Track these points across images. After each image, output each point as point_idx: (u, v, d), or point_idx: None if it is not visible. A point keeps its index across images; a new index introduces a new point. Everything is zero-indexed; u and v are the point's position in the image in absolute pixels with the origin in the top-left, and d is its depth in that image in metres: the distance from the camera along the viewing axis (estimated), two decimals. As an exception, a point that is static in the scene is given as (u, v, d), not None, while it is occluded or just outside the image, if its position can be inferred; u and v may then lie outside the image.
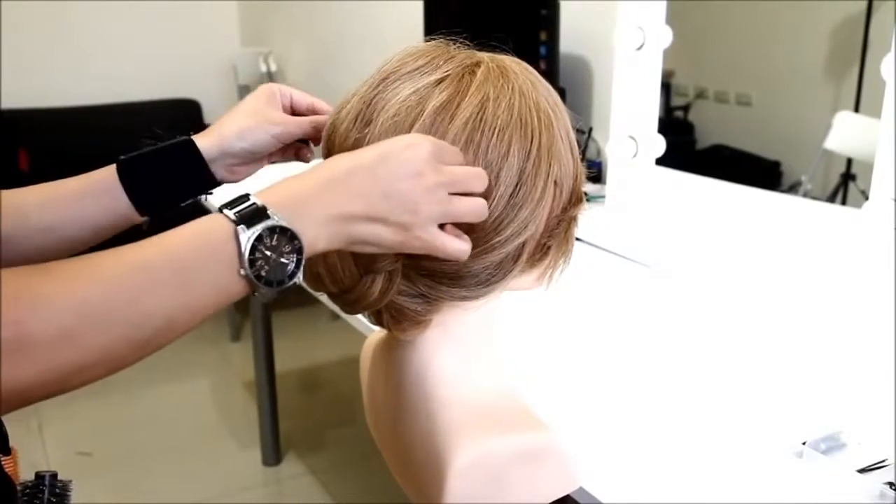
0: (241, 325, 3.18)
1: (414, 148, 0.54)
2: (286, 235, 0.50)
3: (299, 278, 0.51)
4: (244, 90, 3.90)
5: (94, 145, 3.09)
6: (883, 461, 0.81)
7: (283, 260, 0.50)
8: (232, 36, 4.10)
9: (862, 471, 0.80)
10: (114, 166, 0.77)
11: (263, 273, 0.49)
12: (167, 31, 3.89)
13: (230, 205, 0.50)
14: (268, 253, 0.49)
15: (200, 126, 3.49)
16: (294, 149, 0.82)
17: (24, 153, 3.45)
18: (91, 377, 0.46)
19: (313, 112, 0.81)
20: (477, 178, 0.57)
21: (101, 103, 3.70)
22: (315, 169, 0.54)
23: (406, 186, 0.53)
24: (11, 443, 0.69)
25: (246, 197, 0.51)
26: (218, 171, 0.78)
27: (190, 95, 3.88)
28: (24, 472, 0.69)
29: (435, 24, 2.15)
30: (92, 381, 0.47)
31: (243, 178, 0.81)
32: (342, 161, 0.54)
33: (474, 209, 0.56)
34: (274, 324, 2.25)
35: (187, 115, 3.84)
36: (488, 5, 2.08)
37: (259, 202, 0.50)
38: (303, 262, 0.51)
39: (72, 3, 3.71)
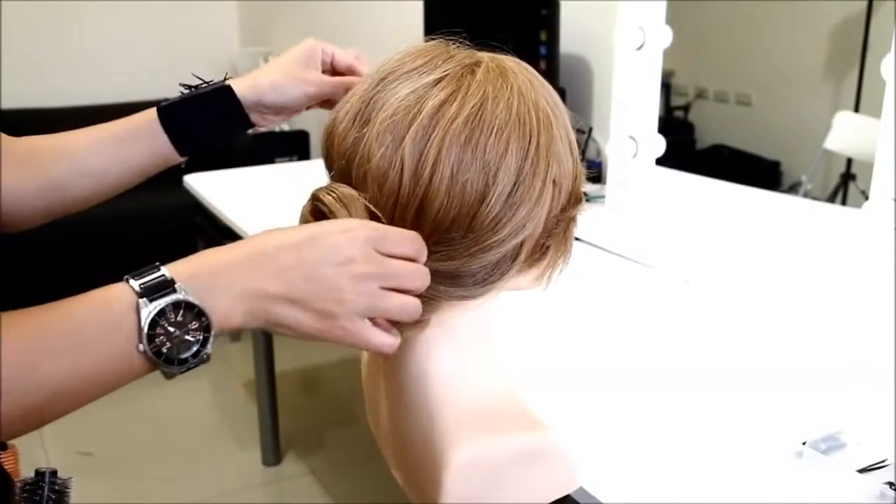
0: (241, 325, 3.17)
1: (348, 233, 0.53)
2: (193, 311, 0.48)
3: (205, 357, 0.49)
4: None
5: (94, 145, 3.10)
6: (883, 461, 0.81)
7: (187, 337, 0.48)
8: (232, 36, 4.10)
9: (862, 471, 0.80)
10: (154, 112, 0.80)
11: (164, 350, 0.47)
12: (167, 31, 3.90)
13: (138, 275, 0.49)
14: (170, 329, 0.47)
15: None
16: (330, 103, 0.85)
17: (24, 153, 3.44)
18: None
19: (352, 72, 0.83)
20: (417, 275, 0.55)
21: (101, 103, 3.70)
22: (241, 242, 0.52)
23: (332, 272, 0.51)
24: (11, 440, 0.69)
25: (156, 268, 0.49)
26: (252, 115, 0.82)
27: (190, 95, 3.88)
28: (25, 472, 0.69)
29: (435, 24, 2.15)
30: None
31: (276, 124, 0.86)
32: (270, 237, 0.53)
33: (405, 308, 0.54)
34: (274, 324, 2.24)
35: (187, 115, 3.84)
36: (488, 5, 2.08)
37: (168, 275, 0.48)
38: (210, 340, 0.48)
39: (72, 3, 3.71)
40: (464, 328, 0.65)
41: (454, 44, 0.64)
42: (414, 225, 0.58)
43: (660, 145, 1.57)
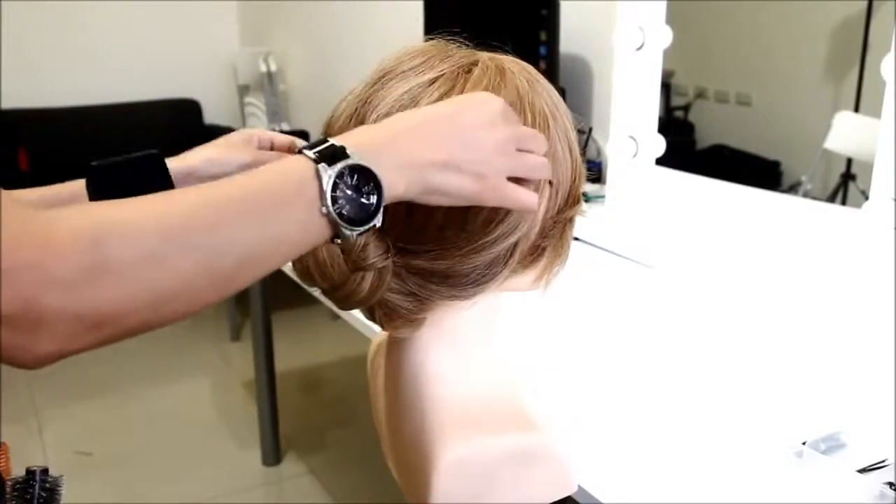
0: (241, 325, 3.18)
1: (489, 101, 0.56)
2: (365, 175, 0.49)
3: (379, 220, 0.51)
4: (244, 90, 3.91)
5: (94, 145, 3.10)
6: (883, 461, 0.81)
7: (363, 200, 0.49)
8: (231, 36, 4.11)
9: (862, 471, 0.80)
10: (83, 183, 0.79)
11: (345, 212, 0.49)
12: (167, 31, 3.90)
13: (310, 147, 0.50)
14: (349, 192, 0.49)
15: (200, 126, 3.50)
16: None
17: (24, 153, 3.45)
18: (175, 310, 0.45)
19: (293, 151, 0.84)
20: (539, 138, 0.58)
21: (101, 103, 3.70)
22: (392, 119, 0.55)
23: (482, 136, 0.54)
24: (10, 442, 0.69)
25: (325, 139, 0.51)
26: (179, 179, 0.81)
27: (190, 95, 3.88)
28: (23, 471, 0.69)
29: (435, 24, 2.15)
30: (177, 318, 0.45)
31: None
32: (418, 112, 0.55)
33: (538, 165, 0.57)
34: (274, 324, 2.24)
35: (187, 114, 3.84)
36: (488, 5, 2.08)
37: (338, 143, 0.50)
38: (382, 203, 0.50)
39: (72, 3, 3.71)
40: (459, 328, 0.65)
41: (454, 44, 0.64)
42: (406, 223, 0.58)
43: (660, 145, 1.57)
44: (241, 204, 0.47)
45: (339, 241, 0.50)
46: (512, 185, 0.55)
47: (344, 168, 0.48)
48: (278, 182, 0.49)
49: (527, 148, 0.57)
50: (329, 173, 0.48)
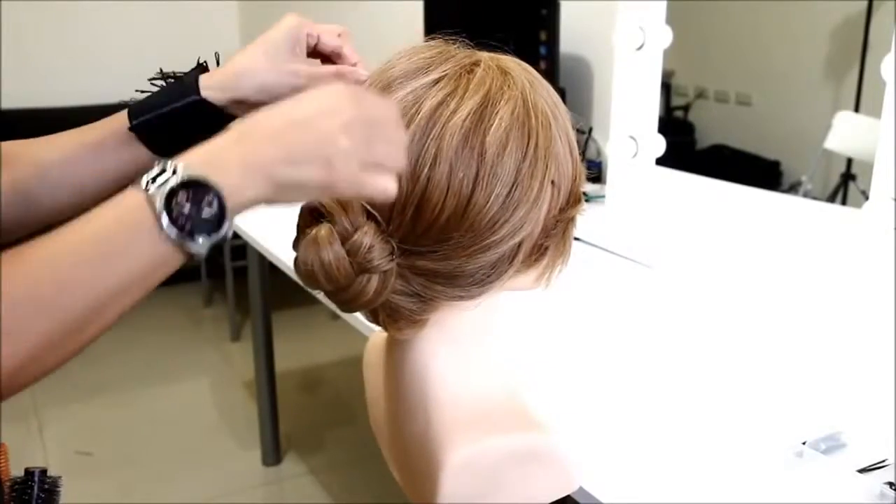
0: (241, 325, 3.18)
1: (333, 88, 0.54)
2: (201, 187, 0.48)
3: (227, 228, 0.50)
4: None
5: (94, 145, 3.10)
6: (883, 461, 0.81)
7: (204, 214, 0.48)
8: (232, 36, 4.10)
9: (862, 471, 0.80)
10: (125, 117, 0.78)
11: (187, 229, 0.48)
12: (167, 31, 3.90)
13: (142, 176, 0.50)
14: (187, 208, 0.48)
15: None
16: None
17: (24, 153, 3.44)
18: (44, 366, 0.46)
19: (338, 54, 0.80)
20: (392, 122, 0.55)
21: (102, 103, 3.70)
22: (232, 125, 0.53)
23: (325, 122, 0.52)
24: (10, 442, 0.69)
25: (158, 161, 0.50)
26: (232, 108, 0.78)
27: (190, 95, 3.88)
28: (22, 472, 0.69)
29: (435, 24, 2.15)
30: (42, 376, 0.46)
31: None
32: (257, 114, 0.54)
33: (391, 156, 0.54)
34: (274, 324, 2.24)
35: (187, 115, 3.84)
36: (488, 5, 2.08)
37: (169, 163, 0.49)
38: (227, 214, 0.49)
39: (72, 3, 3.71)
40: (462, 328, 0.65)
41: (454, 44, 0.64)
42: (411, 225, 0.58)
43: (660, 145, 1.57)
44: (83, 249, 0.47)
45: (194, 258, 0.49)
46: (367, 174, 0.53)
47: (175, 186, 0.48)
48: (113, 223, 0.48)
49: (379, 132, 0.54)
50: (159, 196, 0.47)
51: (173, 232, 0.48)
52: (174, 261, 0.49)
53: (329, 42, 0.81)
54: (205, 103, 0.76)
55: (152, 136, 0.77)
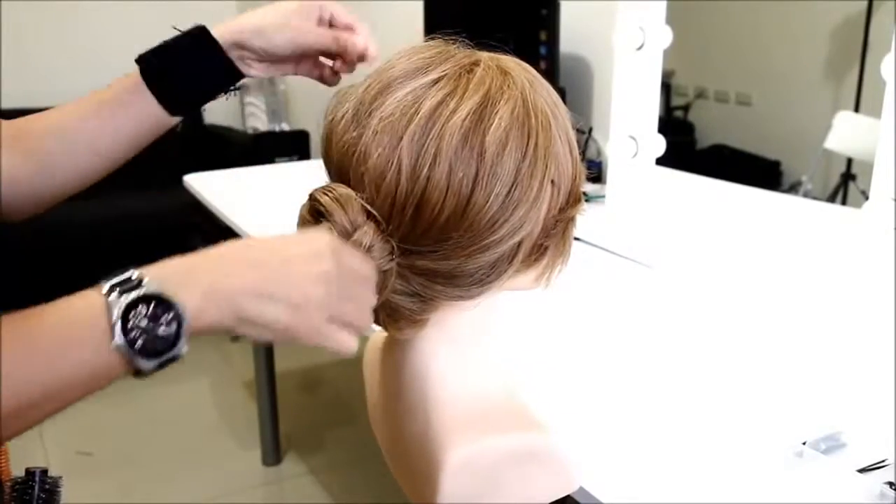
0: (241, 325, 3.17)
1: (318, 236, 0.54)
2: (163, 305, 0.47)
3: (180, 353, 0.48)
4: (244, 89, 3.91)
5: (94, 145, 3.09)
6: (883, 461, 0.81)
7: (160, 332, 0.47)
8: (232, 36, 4.10)
9: (862, 471, 0.80)
10: (137, 74, 0.78)
11: (139, 345, 0.47)
12: (167, 32, 3.89)
13: (108, 278, 0.48)
14: (143, 322, 0.47)
15: (200, 125, 3.49)
16: (319, 66, 0.84)
17: (24, 153, 3.44)
18: None
19: (351, 30, 0.82)
20: (367, 283, 0.56)
21: (101, 103, 3.70)
22: (211, 247, 0.53)
23: (302, 267, 0.52)
24: (10, 442, 0.69)
25: (125, 269, 0.49)
26: (236, 62, 0.80)
27: (190, 95, 3.88)
28: (22, 472, 0.69)
29: (435, 24, 2.15)
30: None
31: (264, 76, 0.83)
32: (241, 240, 0.53)
33: (358, 317, 0.55)
34: (274, 324, 2.24)
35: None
36: (488, 5, 2.08)
37: (137, 273, 0.48)
38: (183, 336, 0.48)
39: (72, 3, 3.71)
40: (462, 328, 0.65)
41: (454, 44, 0.63)
42: (411, 224, 0.58)
43: (660, 145, 1.57)
44: (32, 344, 0.45)
45: (139, 375, 0.48)
46: (332, 326, 0.53)
47: (137, 297, 0.47)
48: (70, 317, 0.47)
49: (351, 290, 0.54)
50: (119, 305, 0.46)
51: (123, 346, 0.46)
52: (118, 374, 0.48)
53: (343, 17, 0.82)
54: (209, 38, 0.80)
55: (158, 79, 0.78)
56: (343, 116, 0.61)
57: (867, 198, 1.20)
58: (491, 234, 0.58)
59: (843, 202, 1.52)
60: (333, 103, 0.63)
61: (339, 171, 0.60)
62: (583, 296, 1.28)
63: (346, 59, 0.82)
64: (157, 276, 0.49)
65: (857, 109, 1.49)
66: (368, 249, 0.57)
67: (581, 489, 0.76)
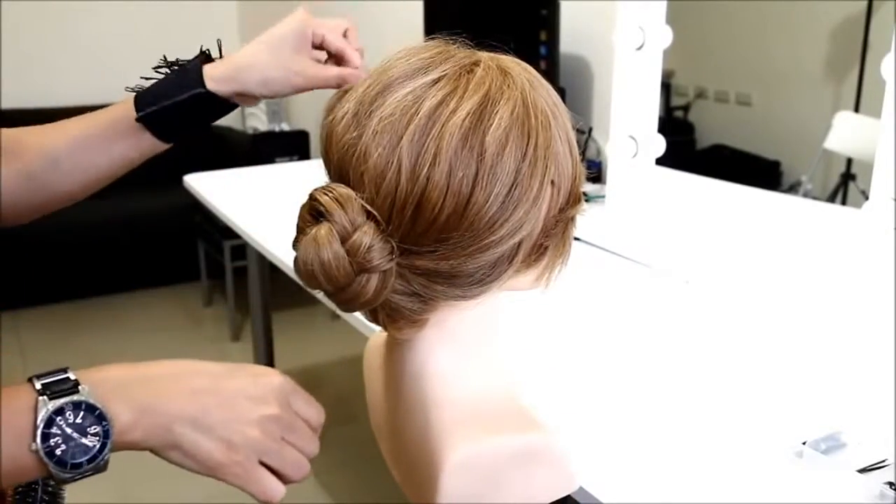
0: (241, 325, 3.17)
1: (266, 376, 0.53)
2: (93, 414, 0.46)
3: (102, 464, 0.47)
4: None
5: (94, 145, 3.10)
6: (883, 461, 0.81)
7: (85, 441, 0.46)
8: (231, 35, 4.10)
9: (862, 471, 0.80)
10: (132, 103, 0.80)
11: (58, 452, 0.45)
12: (167, 31, 3.90)
13: (43, 375, 0.47)
14: (68, 430, 0.45)
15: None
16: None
17: (24, 153, 3.45)
18: None
19: (342, 55, 0.81)
20: (313, 439, 0.55)
21: (101, 103, 3.69)
22: (156, 362, 0.52)
23: (246, 405, 0.51)
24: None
25: (63, 370, 0.48)
26: (234, 99, 0.81)
27: (190, 95, 3.88)
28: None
29: (435, 24, 2.15)
30: None
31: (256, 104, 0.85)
32: (189, 362, 0.53)
33: (299, 464, 0.54)
34: (274, 324, 2.24)
35: (187, 115, 3.84)
36: (488, 5, 2.08)
37: (73, 376, 0.47)
38: (108, 447, 0.46)
39: (72, 3, 3.71)
40: (462, 328, 0.65)
41: (454, 44, 0.63)
42: (411, 224, 0.58)
43: (660, 145, 1.57)
44: None
45: (52, 482, 0.48)
46: (262, 471, 0.52)
47: (66, 403, 0.45)
48: None
49: (295, 440, 0.53)
50: (47, 407, 0.45)
51: (41, 449, 0.45)
52: (31, 475, 0.47)
53: (334, 42, 0.82)
54: (209, 94, 0.78)
55: (158, 126, 0.79)
56: (343, 116, 0.61)
57: (867, 198, 1.20)
58: (491, 234, 0.58)
59: (843, 202, 1.52)
60: (333, 103, 0.63)
61: (339, 171, 0.60)
62: (583, 296, 1.28)
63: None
64: (94, 382, 0.47)
65: (857, 109, 1.49)
66: (368, 249, 0.57)
67: (581, 489, 0.76)
